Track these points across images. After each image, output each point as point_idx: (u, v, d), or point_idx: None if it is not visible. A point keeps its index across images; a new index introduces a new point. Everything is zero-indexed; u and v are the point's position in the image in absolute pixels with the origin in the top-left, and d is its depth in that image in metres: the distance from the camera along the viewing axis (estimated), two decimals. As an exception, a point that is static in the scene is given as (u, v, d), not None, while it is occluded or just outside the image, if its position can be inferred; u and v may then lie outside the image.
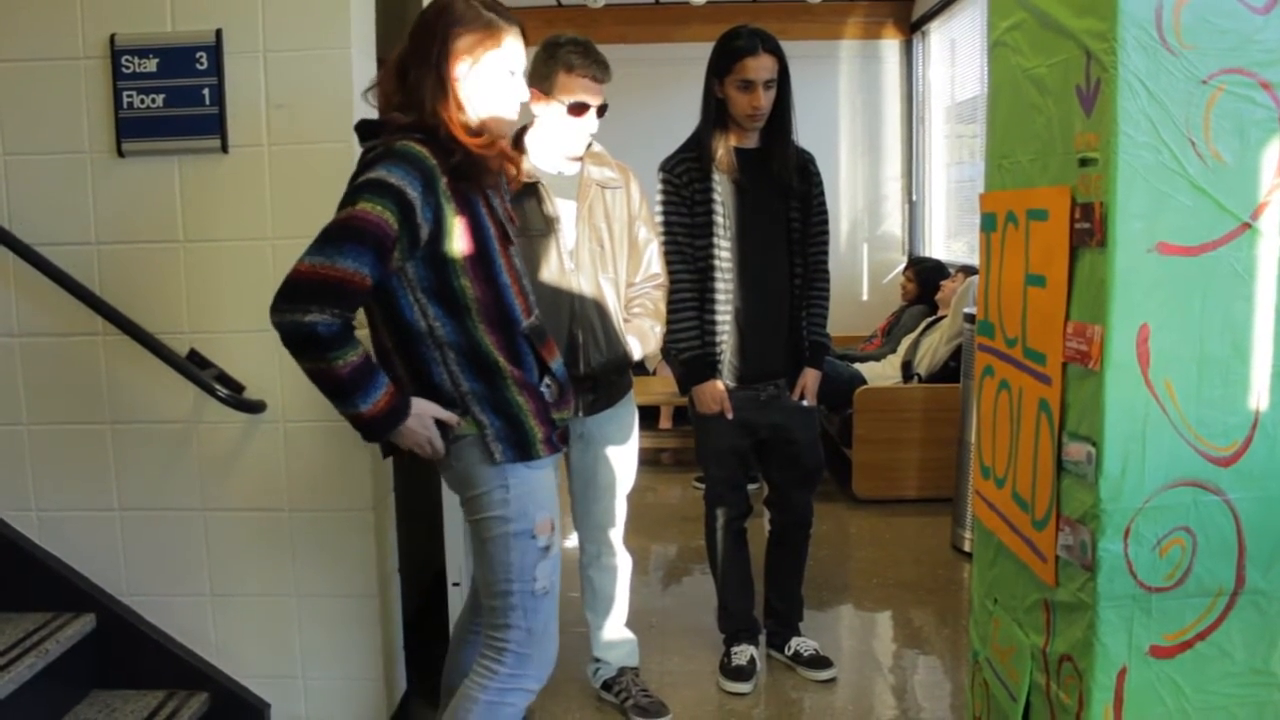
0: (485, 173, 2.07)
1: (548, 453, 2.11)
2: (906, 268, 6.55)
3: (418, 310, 2.03)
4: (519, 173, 2.33)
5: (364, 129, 2.11)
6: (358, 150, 2.55)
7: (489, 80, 2.07)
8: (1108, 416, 1.77)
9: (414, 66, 2.04)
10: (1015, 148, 2.16)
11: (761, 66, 2.97)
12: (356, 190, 1.94)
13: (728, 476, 3.25)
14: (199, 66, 2.57)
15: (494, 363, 2.05)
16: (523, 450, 2.08)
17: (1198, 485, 1.80)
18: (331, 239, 1.89)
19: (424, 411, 2.03)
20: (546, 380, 2.16)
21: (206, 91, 2.58)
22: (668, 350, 3.10)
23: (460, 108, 2.05)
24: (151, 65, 2.57)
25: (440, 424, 2.05)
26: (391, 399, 1.97)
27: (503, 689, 2.13)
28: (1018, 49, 2.12)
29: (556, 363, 2.20)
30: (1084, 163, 1.81)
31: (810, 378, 3.17)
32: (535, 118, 2.78)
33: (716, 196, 3.05)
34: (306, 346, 1.89)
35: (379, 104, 2.14)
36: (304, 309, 1.86)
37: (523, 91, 2.14)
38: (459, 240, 2.01)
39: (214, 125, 2.59)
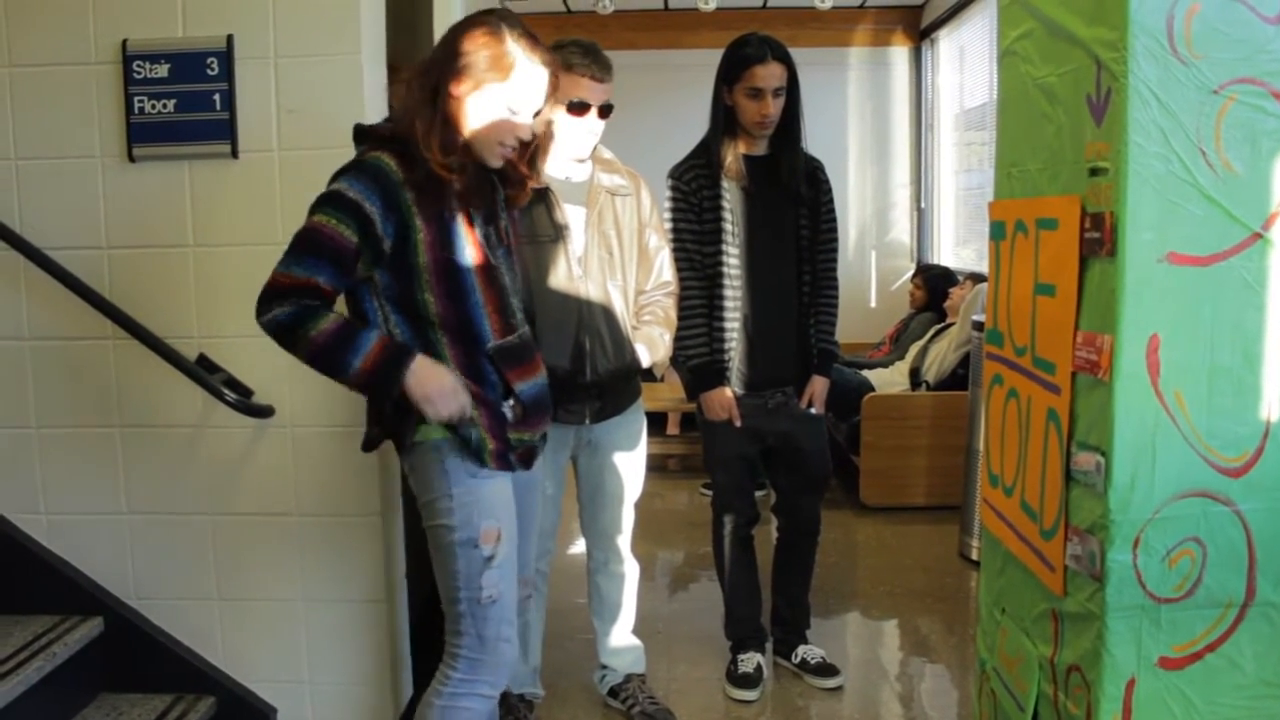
0: (445, 192, 2.04)
1: (497, 466, 2.12)
2: (914, 275, 6.55)
3: (380, 315, 2.08)
4: (523, 192, 2.27)
5: (357, 133, 2.15)
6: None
7: (483, 109, 2.05)
8: (1117, 426, 1.77)
9: (422, 72, 2.07)
10: (1025, 156, 2.16)
11: (770, 74, 2.97)
12: (317, 202, 2.02)
13: (735, 483, 3.25)
14: (210, 72, 2.57)
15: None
16: (472, 455, 2.09)
17: (1208, 496, 1.79)
18: (292, 250, 2.00)
19: (427, 365, 2.04)
20: (510, 401, 2.15)
21: (217, 97, 2.58)
22: (676, 357, 3.09)
23: (446, 123, 2.03)
24: (163, 70, 2.58)
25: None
26: (385, 345, 2.02)
27: (455, 694, 2.15)
28: (1028, 58, 2.12)
29: (528, 384, 2.18)
30: (1094, 172, 1.81)
31: (818, 385, 3.17)
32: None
33: (725, 204, 3.05)
34: (282, 336, 2.00)
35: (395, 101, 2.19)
36: (269, 309, 1.99)
37: (523, 132, 2.10)
38: (424, 255, 2.04)
39: (225, 130, 2.59)
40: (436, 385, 2.03)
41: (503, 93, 2.04)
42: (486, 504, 2.12)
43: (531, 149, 2.20)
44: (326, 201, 2.00)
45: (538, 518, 2.49)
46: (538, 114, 2.12)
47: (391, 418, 2.12)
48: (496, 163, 2.13)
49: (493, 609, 2.13)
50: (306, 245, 1.99)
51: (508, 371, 2.13)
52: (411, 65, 2.12)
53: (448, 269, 2.06)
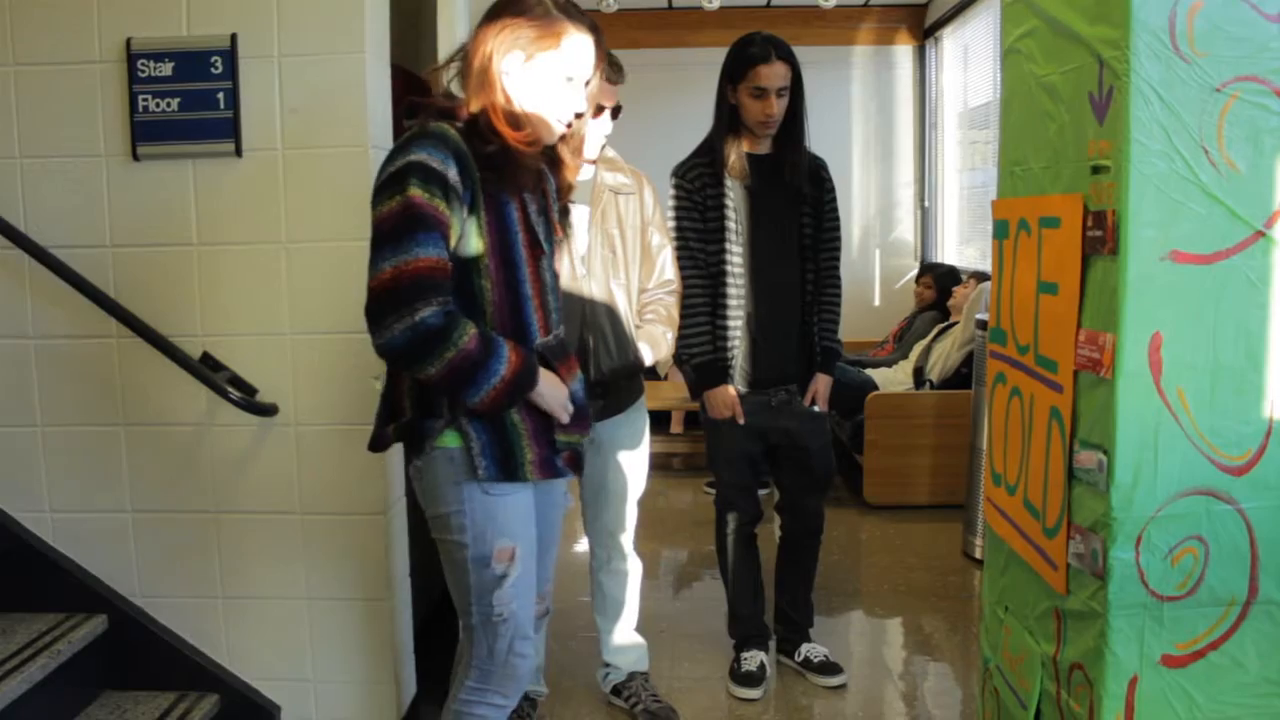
0: (520, 170, 1.98)
1: (538, 476, 2.03)
2: (923, 274, 6.54)
3: None
4: (571, 182, 2.21)
5: (410, 108, 2.04)
6: (372, 154, 2.58)
7: (540, 81, 1.97)
8: (1119, 424, 1.77)
9: (472, 51, 1.99)
10: (1028, 155, 2.16)
11: (774, 74, 2.97)
12: (403, 174, 1.85)
13: (739, 481, 3.25)
14: (214, 70, 2.58)
15: None
16: (507, 470, 1.99)
17: (1210, 494, 1.79)
18: (399, 234, 1.83)
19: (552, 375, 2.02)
20: None
21: (221, 95, 2.59)
22: (679, 355, 3.10)
23: (507, 100, 1.96)
24: (167, 69, 2.58)
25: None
26: (516, 347, 1.95)
27: (468, 700, 2.12)
28: (1031, 56, 2.12)
29: (574, 383, 2.11)
30: (1096, 170, 1.81)
31: (822, 383, 3.17)
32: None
33: (729, 202, 3.05)
34: (429, 346, 1.83)
35: (434, 86, 2.08)
36: (410, 310, 1.80)
37: (578, 102, 2.02)
38: (485, 236, 1.94)
39: (228, 129, 2.59)
40: (560, 388, 2.03)
41: (557, 61, 1.97)
42: (501, 521, 2.02)
43: (576, 139, 2.13)
44: (414, 173, 1.84)
45: (559, 531, 2.35)
46: (587, 84, 2.05)
47: (413, 420, 2.02)
48: (553, 138, 2.05)
49: (503, 626, 2.06)
50: (415, 222, 1.82)
51: (558, 366, 2.06)
52: (448, 56, 2.05)
53: (505, 255, 1.97)
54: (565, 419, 2.05)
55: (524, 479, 2.02)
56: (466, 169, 1.90)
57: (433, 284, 1.82)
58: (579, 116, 2.06)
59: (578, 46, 1.99)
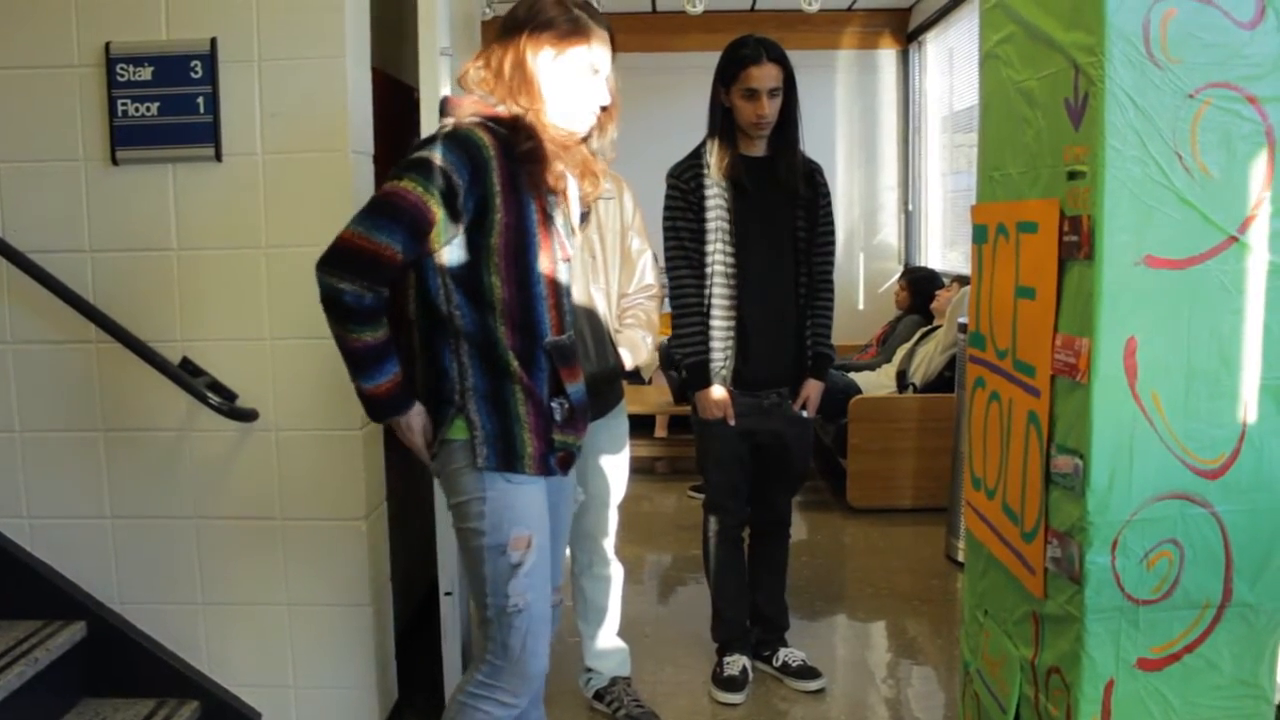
0: (549, 168, 2.04)
1: (535, 471, 2.06)
2: (900, 277, 6.56)
3: (442, 295, 2.02)
4: (595, 187, 2.23)
5: (444, 106, 2.13)
6: (352, 159, 2.58)
7: (570, 73, 2.07)
8: (1095, 429, 1.78)
9: (501, 57, 2.06)
10: (1006, 160, 2.17)
11: (766, 75, 2.98)
12: (404, 167, 1.96)
13: (728, 483, 3.25)
14: (193, 75, 2.57)
15: (506, 364, 2.03)
16: (507, 460, 2.04)
17: (1185, 498, 1.80)
18: (370, 211, 1.95)
19: (413, 424, 2.06)
20: (560, 399, 2.11)
21: (201, 100, 2.58)
22: (672, 355, 3.09)
23: (541, 100, 2.06)
24: (146, 74, 2.57)
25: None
26: (393, 389, 2.00)
27: (475, 694, 2.12)
28: (1008, 62, 2.13)
29: (576, 386, 2.14)
30: (1072, 176, 1.82)
31: (813, 389, 3.17)
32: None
33: (723, 203, 3.06)
34: (333, 311, 1.96)
35: (465, 88, 2.14)
36: (339, 275, 1.92)
37: (603, 94, 2.11)
38: (498, 236, 2.00)
39: (208, 134, 2.59)
40: (402, 438, 2.09)
41: (586, 55, 2.07)
42: (519, 510, 2.06)
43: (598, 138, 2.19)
44: (414, 167, 1.95)
45: (569, 524, 2.41)
46: (607, 80, 2.14)
47: (427, 410, 2.09)
48: (584, 129, 2.13)
49: (518, 618, 2.07)
50: (386, 209, 1.94)
51: (562, 369, 2.10)
52: (485, 51, 2.12)
53: (518, 254, 2.02)
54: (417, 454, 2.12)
55: (521, 470, 2.06)
56: (482, 172, 1.97)
57: (369, 265, 1.92)
58: (604, 110, 2.14)
59: (601, 40, 2.10)
